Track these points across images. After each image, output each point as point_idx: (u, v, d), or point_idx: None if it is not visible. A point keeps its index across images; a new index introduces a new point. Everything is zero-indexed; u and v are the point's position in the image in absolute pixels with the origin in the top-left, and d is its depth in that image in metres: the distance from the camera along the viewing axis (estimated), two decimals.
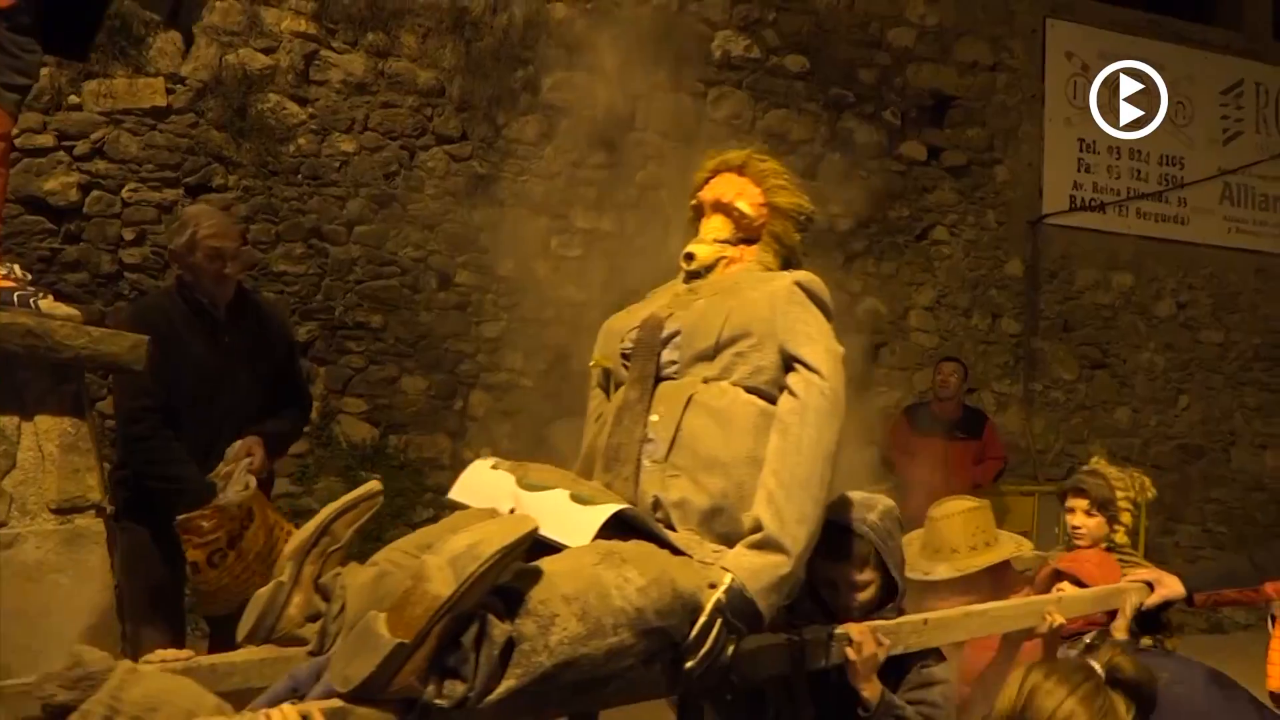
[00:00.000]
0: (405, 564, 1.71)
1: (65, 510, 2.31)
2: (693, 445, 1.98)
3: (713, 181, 2.29)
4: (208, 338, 3.01)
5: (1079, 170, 7.04)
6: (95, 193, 5.03)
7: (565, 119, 5.78)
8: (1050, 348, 6.89)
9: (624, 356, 2.15)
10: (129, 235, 5.06)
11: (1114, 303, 7.18)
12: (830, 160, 6.35)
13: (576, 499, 1.88)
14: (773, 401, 2.00)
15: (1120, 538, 3.12)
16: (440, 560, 1.52)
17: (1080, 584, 2.77)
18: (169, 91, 5.17)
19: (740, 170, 2.27)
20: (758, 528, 1.88)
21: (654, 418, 2.03)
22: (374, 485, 1.92)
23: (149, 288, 4.99)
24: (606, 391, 2.21)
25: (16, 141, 4.75)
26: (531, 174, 5.74)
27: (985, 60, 6.85)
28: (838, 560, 2.20)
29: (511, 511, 1.89)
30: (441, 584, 1.48)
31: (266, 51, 5.34)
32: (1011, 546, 2.87)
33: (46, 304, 2.26)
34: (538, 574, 1.65)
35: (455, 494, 2.04)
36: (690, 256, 2.20)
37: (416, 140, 5.57)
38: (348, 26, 5.49)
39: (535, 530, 1.63)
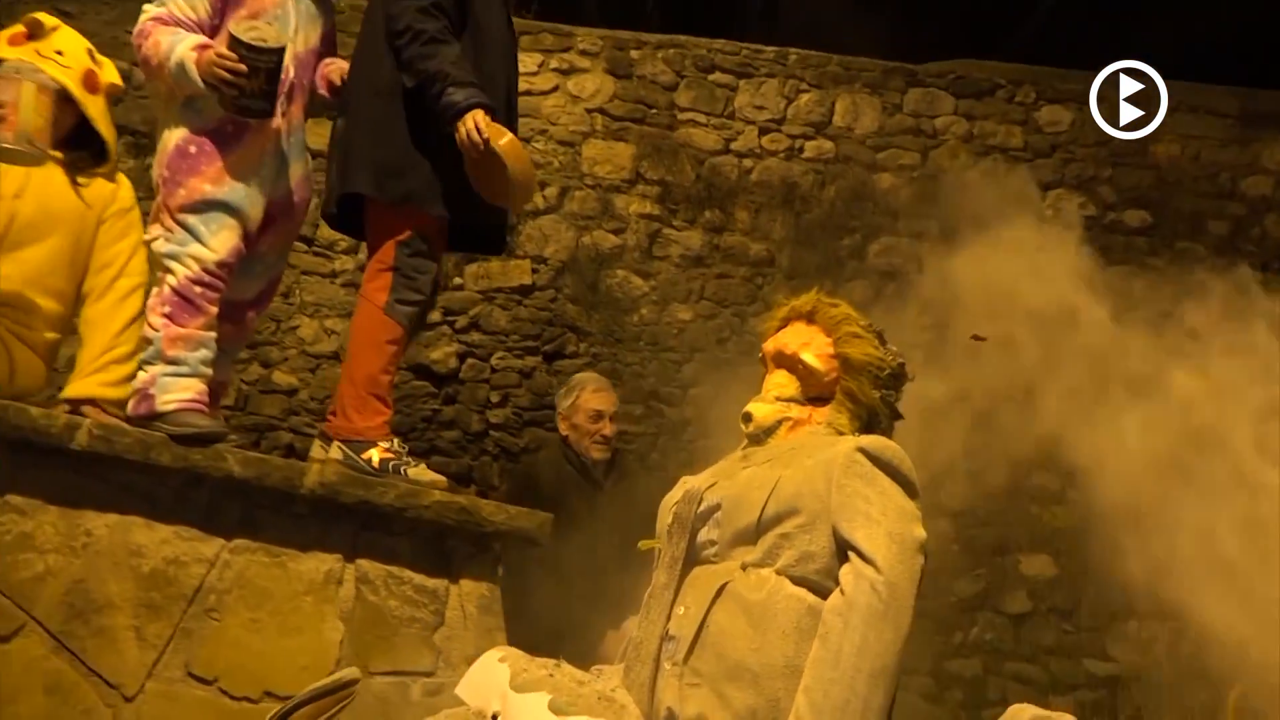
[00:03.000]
0: None
1: None
2: (719, 647, 1.65)
3: (781, 331, 2.01)
4: (587, 494, 3.29)
5: None
6: (470, 360, 5.67)
7: (891, 283, 5.83)
8: None
9: (668, 533, 1.83)
10: (495, 398, 5.64)
11: None
12: (1177, 316, 5.89)
13: (554, 707, 1.60)
14: (825, 597, 1.65)
15: None
16: None
17: None
18: (534, 271, 5.79)
19: (809, 318, 1.98)
20: None
21: (680, 610, 1.71)
22: (349, 673, 1.71)
23: (509, 445, 5.52)
24: None
25: None
26: None
27: None
28: None
29: (495, 717, 1.66)
30: None
31: (616, 232, 5.85)
32: None
33: (415, 471, 2.60)
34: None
35: (460, 690, 1.80)
36: (748, 417, 1.92)
37: (748, 307, 5.83)
38: (687, 206, 5.90)
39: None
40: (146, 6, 2.66)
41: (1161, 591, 5.64)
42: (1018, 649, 5.57)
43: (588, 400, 3.54)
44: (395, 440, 2.63)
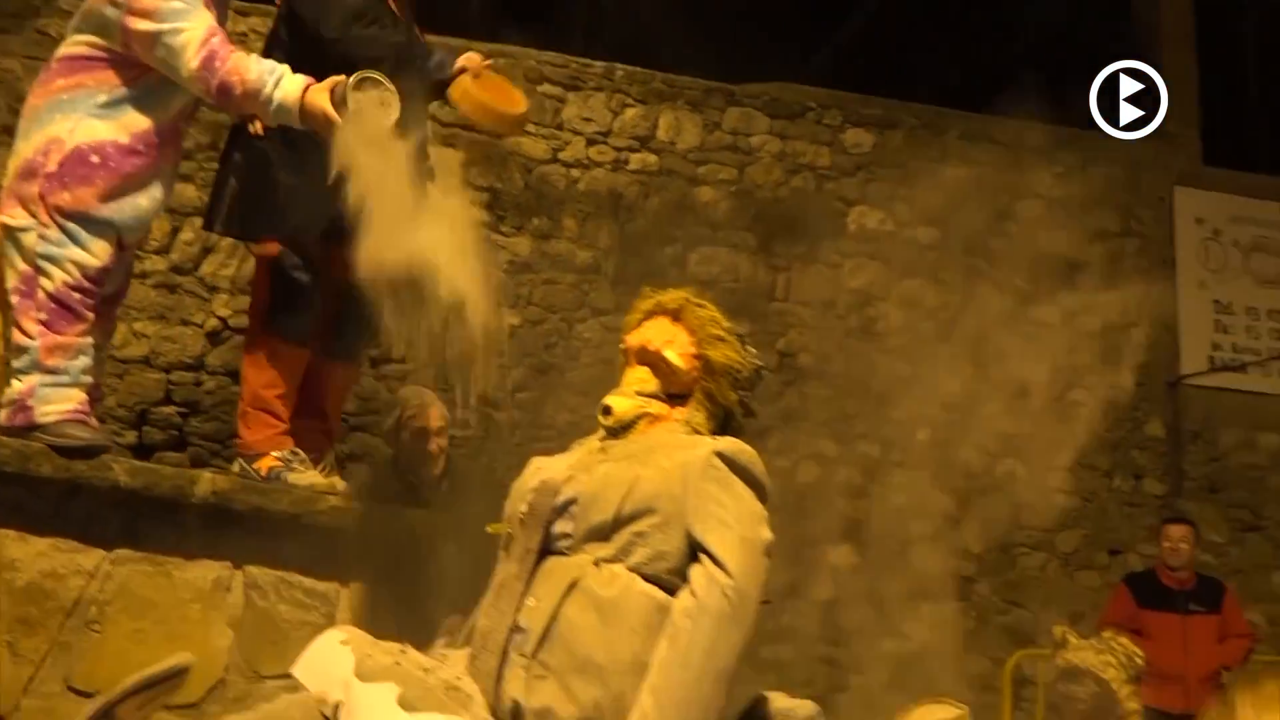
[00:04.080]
0: None
1: None
2: (569, 641, 1.66)
3: (644, 325, 2.00)
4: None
5: (1217, 331, 7.01)
6: None
7: (710, 291, 6.18)
8: (1198, 509, 6.73)
9: (521, 522, 1.83)
10: None
11: (1261, 463, 7.00)
12: (964, 325, 6.55)
13: (403, 701, 1.57)
14: (674, 594, 1.71)
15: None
16: None
17: None
18: None
19: (675, 316, 1.98)
20: None
21: (530, 602, 1.71)
22: (182, 660, 1.64)
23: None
24: None
25: (230, 322, 5.40)
26: None
27: (1114, 228, 7.01)
28: None
29: (338, 707, 1.63)
30: None
31: None
32: None
33: (295, 476, 2.64)
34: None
35: (296, 670, 1.74)
36: (607, 410, 1.91)
37: (575, 313, 6.03)
38: (516, 213, 6.03)
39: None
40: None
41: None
42: (824, 633, 6.03)
43: (413, 417, 3.53)
44: (289, 449, 2.67)
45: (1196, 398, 6.92)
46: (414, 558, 2.86)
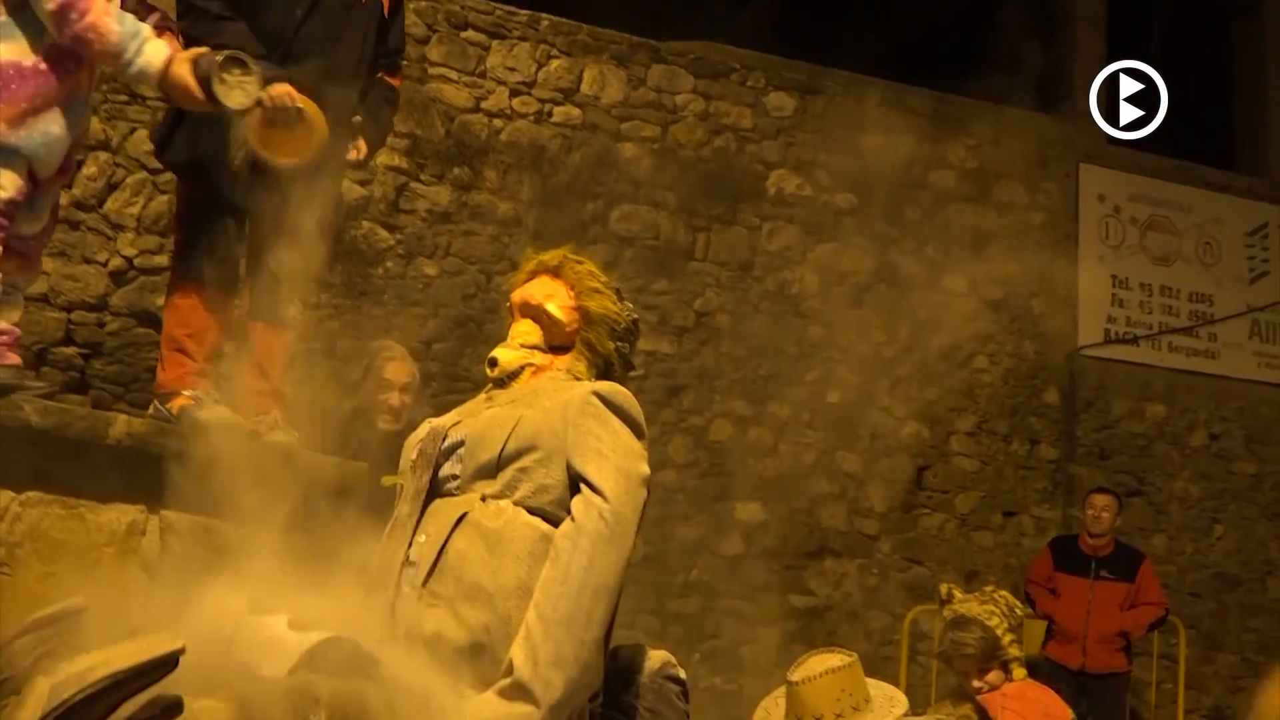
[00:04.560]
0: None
1: None
2: (457, 570, 1.74)
3: (528, 283, 2.10)
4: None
5: (1113, 305, 7.31)
6: None
7: (630, 248, 6.20)
8: (1088, 474, 7.05)
9: (412, 468, 1.92)
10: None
11: (1148, 432, 7.35)
12: (877, 291, 6.70)
13: (294, 624, 1.63)
14: (557, 525, 1.77)
15: (1016, 667, 3.02)
16: (49, 683, 1.26)
17: None
18: None
19: (555, 272, 2.08)
20: (509, 671, 1.63)
21: (420, 538, 1.79)
22: (76, 602, 1.61)
23: None
24: None
25: (136, 262, 5.23)
26: None
27: (1021, 200, 7.23)
28: None
29: (231, 641, 1.66)
30: (29, 715, 1.22)
31: (362, 183, 5.78)
32: (885, 709, 2.42)
33: (207, 413, 2.54)
34: (181, 707, 1.35)
35: (189, 614, 1.74)
36: (493, 362, 2.01)
37: (494, 265, 5.98)
38: (436, 162, 5.93)
39: (177, 652, 1.34)
40: None
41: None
42: (731, 587, 6.17)
43: (379, 369, 3.50)
44: (201, 389, 2.62)
45: (1091, 368, 7.22)
46: (335, 507, 2.85)
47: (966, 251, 6.96)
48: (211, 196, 2.77)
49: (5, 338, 2.42)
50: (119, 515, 2.30)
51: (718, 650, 6.00)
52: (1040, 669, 5.51)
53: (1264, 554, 7.46)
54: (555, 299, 2.05)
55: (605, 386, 1.91)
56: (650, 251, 6.17)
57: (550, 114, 6.04)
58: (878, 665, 6.19)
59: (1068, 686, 5.14)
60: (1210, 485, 7.41)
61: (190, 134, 2.76)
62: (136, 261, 5.09)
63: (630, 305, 2.19)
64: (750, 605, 6.13)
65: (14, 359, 2.44)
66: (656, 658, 2.01)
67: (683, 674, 2.03)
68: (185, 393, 2.62)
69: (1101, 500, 5.44)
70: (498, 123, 5.95)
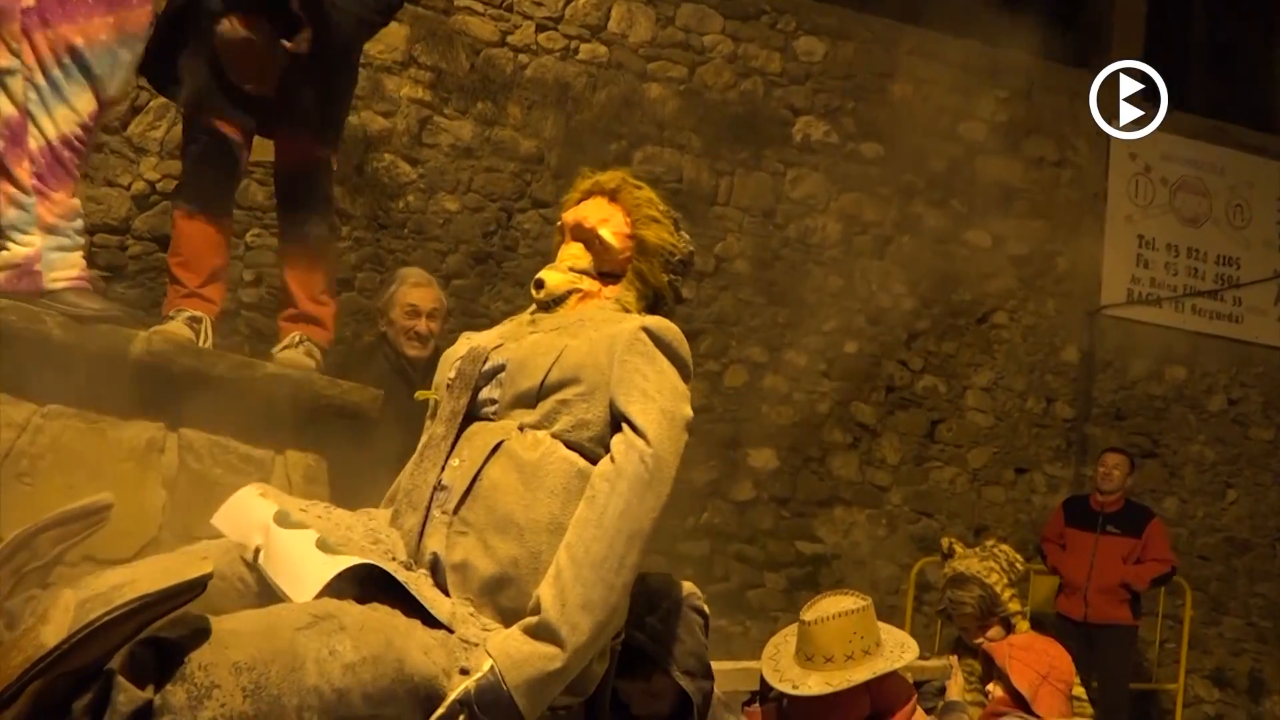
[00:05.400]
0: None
1: None
2: (490, 500, 1.68)
3: (582, 204, 2.00)
4: (402, 394, 3.29)
5: (1138, 265, 7.24)
6: None
7: (655, 190, 6.15)
8: (1102, 434, 7.04)
9: (449, 388, 1.84)
10: (248, 276, 5.46)
11: (1166, 394, 7.31)
12: (899, 243, 6.65)
13: (322, 545, 1.59)
14: (594, 463, 1.71)
15: (1019, 620, 3.03)
16: (76, 598, 1.24)
17: (1006, 678, 2.70)
18: None
19: (612, 196, 2.00)
20: (537, 609, 1.57)
21: (455, 462, 1.73)
22: (104, 498, 1.60)
23: (262, 327, 5.38)
24: None
25: (158, 186, 5.24)
26: None
27: (1051, 156, 7.13)
28: (622, 675, 1.88)
29: (257, 551, 1.64)
30: (54, 630, 1.18)
31: (385, 115, 5.75)
32: (896, 654, 2.42)
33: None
34: (208, 632, 1.32)
35: (216, 519, 1.78)
36: (540, 284, 1.93)
37: (515, 203, 5.96)
38: (460, 96, 5.88)
39: (206, 576, 1.32)
40: None
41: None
42: (740, 532, 6.21)
43: (404, 295, 3.48)
44: (189, 313, 2.70)
45: (1112, 328, 7.17)
46: (354, 432, 2.87)
47: (992, 206, 6.88)
48: (206, 127, 2.77)
49: (82, 281, 2.43)
50: (138, 432, 2.32)
51: (726, 593, 6.05)
52: (1052, 623, 5.57)
53: (1276, 520, 7.45)
54: (610, 224, 1.96)
55: (655, 322, 1.82)
56: (672, 195, 6.10)
57: (576, 51, 5.97)
58: (883, 614, 6.19)
59: (1075, 640, 5.20)
60: (1226, 450, 7.38)
61: (190, 65, 2.74)
62: (159, 186, 5.10)
63: (688, 237, 2.10)
64: (759, 550, 6.18)
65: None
66: (684, 587, 2.00)
67: (707, 608, 2.02)
68: (170, 314, 2.68)
69: (1113, 459, 5.47)
70: (523, 58, 5.89)
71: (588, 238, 1.96)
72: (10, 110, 2.33)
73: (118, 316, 2.39)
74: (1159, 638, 6.73)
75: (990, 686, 2.77)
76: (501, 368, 1.80)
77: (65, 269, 2.36)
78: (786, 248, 6.38)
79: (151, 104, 5.08)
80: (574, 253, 1.96)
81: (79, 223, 2.41)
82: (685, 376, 1.81)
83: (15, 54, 2.34)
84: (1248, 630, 7.28)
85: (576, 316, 1.87)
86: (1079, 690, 2.84)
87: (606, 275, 1.96)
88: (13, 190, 2.34)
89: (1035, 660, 2.71)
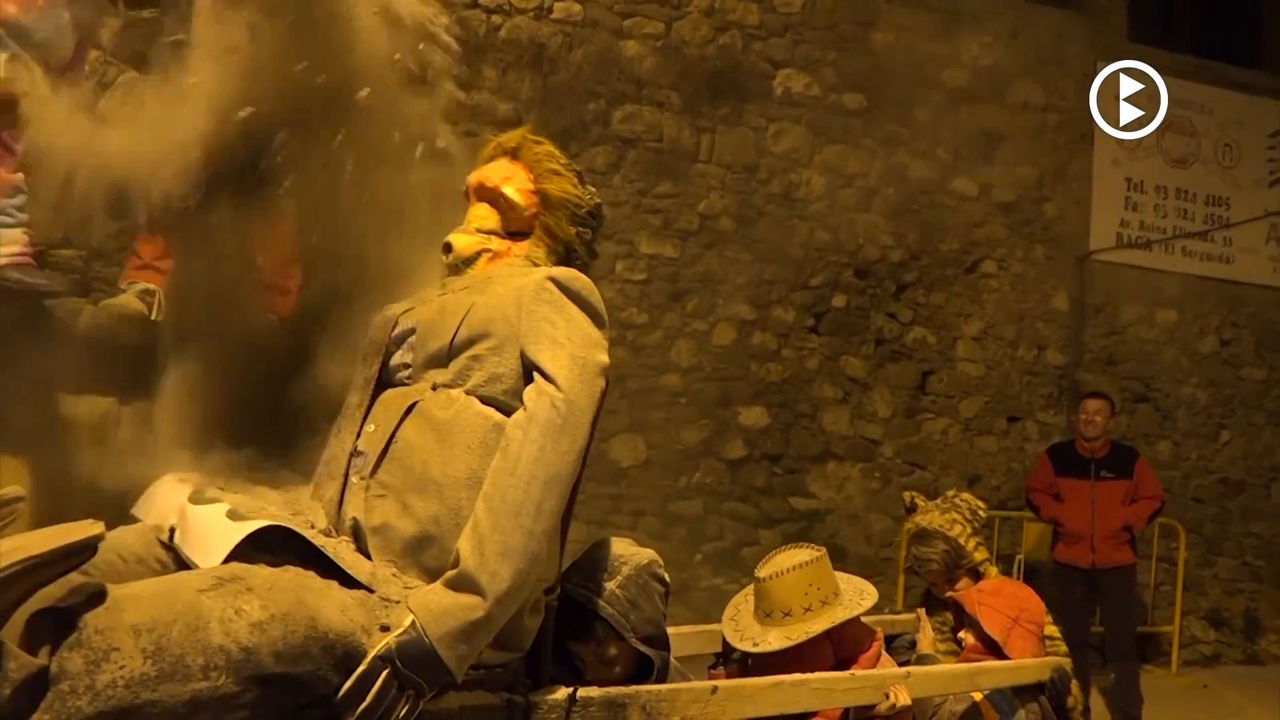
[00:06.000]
0: None
1: None
2: (406, 461, 1.67)
3: (485, 166, 1.99)
4: None
5: (1126, 208, 7.16)
6: None
7: (633, 150, 6.07)
8: (1094, 380, 7.00)
9: (362, 356, 1.85)
10: None
11: (1158, 338, 7.26)
12: (885, 194, 6.57)
13: (233, 515, 1.59)
14: (510, 415, 1.68)
15: (987, 567, 2.99)
16: None
17: (977, 624, 2.68)
18: None
19: (514, 154, 1.98)
20: (456, 562, 1.56)
21: (370, 428, 1.73)
22: (12, 491, 1.51)
23: None
24: None
25: None
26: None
27: (1037, 101, 7.03)
28: (577, 638, 1.89)
29: (172, 531, 1.65)
30: None
31: None
32: (854, 601, 2.40)
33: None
34: (104, 596, 1.32)
35: (136, 509, 1.79)
36: (448, 247, 1.90)
37: None
38: None
39: (95, 538, 1.30)
40: None
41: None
42: (733, 490, 6.19)
43: None
44: (140, 285, 2.67)
45: (1102, 272, 7.11)
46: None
47: (978, 153, 6.80)
48: None
49: (25, 258, 2.37)
50: (91, 407, 2.28)
51: (719, 551, 6.05)
52: (1050, 570, 5.56)
53: (1270, 460, 7.43)
54: (512, 181, 1.94)
55: (562, 272, 1.81)
56: (653, 153, 6.04)
57: (550, 10, 5.87)
58: (878, 566, 6.24)
59: (1079, 585, 5.22)
60: (1218, 391, 7.35)
61: None
62: None
63: (594, 189, 2.06)
64: (752, 508, 6.16)
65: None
66: (644, 554, 1.98)
67: (667, 576, 2.00)
68: (123, 286, 2.65)
69: (1094, 405, 5.44)
70: (496, 19, 5.79)
71: (492, 197, 1.94)
72: None
73: (61, 291, 2.34)
74: (1154, 580, 6.73)
75: (962, 634, 2.74)
76: (411, 331, 1.80)
77: (8, 245, 2.31)
78: (770, 203, 6.31)
79: (119, 80, 4.99)
80: (480, 214, 1.95)
81: (20, 198, 2.34)
82: (599, 324, 1.79)
83: None
84: (1242, 570, 7.28)
85: (485, 275, 1.86)
86: (1051, 629, 2.82)
87: (515, 234, 1.94)
88: None
89: (1005, 604, 2.69)
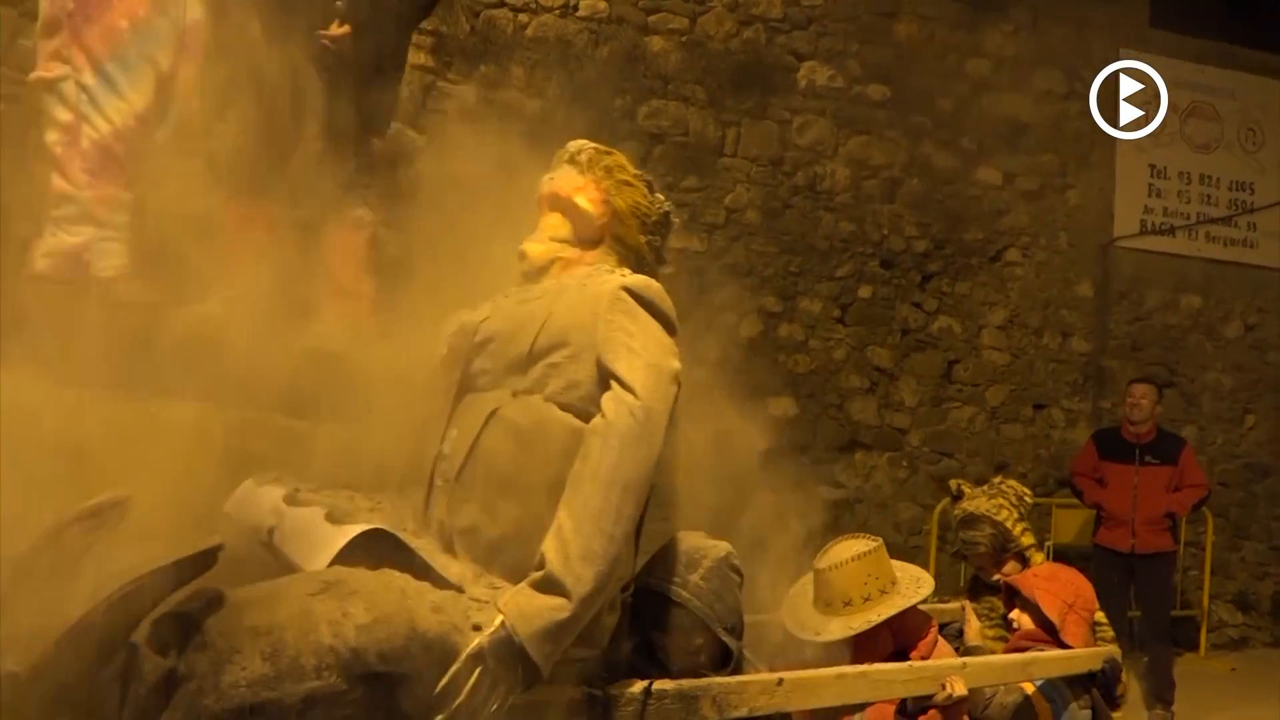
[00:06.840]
0: None
1: None
2: (490, 465, 1.74)
3: (556, 176, 2.06)
4: None
5: (1150, 195, 7.21)
6: None
7: (659, 145, 6.15)
8: (1119, 366, 7.06)
9: (442, 363, 1.92)
10: None
11: (1182, 324, 7.31)
12: (909, 185, 6.63)
13: (331, 517, 1.67)
14: (588, 421, 1.74)
15: (1033, 553, 3.03)
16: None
17: (1033, 605, 2.70)
18: None
19: (583, 166, 2.06)
20: (541, 564, 1.62)
21: (453, 433, 1.79)
22: (119, 493, 1.54)
23: None
24: None
25: None
26: None
27: (1059, 89, 7.07)
28: (660, 629, 1.95)
29: (271, 531, 1.72)
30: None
31: None
32: (912, 590, 2.45)
33: None
34: (223, 600, 1.40)
35: (228, 507, 1.85)
36: (523, 255, 1.99)
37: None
38: (462, 60, 5.88)
39: (216, 548, 1.39)
40: None
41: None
42: (761, 480, 6.26)
43: None
44: None
45: (1126, 259, 7.16)
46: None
47: (1002, 142, 6.85)
48: None
49: (128, 270, 2.41)
50: (185, 413, 2.37)
51: (749, 542, 6.14)
52: (1085, 556, 5.63)
53: None
54: (584, 192, 2.02)
55: (635, 280, 1.87)
56: (679, 148, 6.12)
57: (576, 7, 5.94)
58: (907, 555, 6.32)
59: (1118, 571, 5.24)
60: (1244, 376, 7.40)
61: None
62: None
63: (662, 197, 2.15)
64: (780, 497, 6.24)
65: None
66: (722, 546, 2.07)
67: (743, 568, 2.09)
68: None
69: (1140, 389, 5.46)
70: (523, 17, 5.86)
71: (564, 207, 2.01)
72: (67, 117, 2.37)
73: (162, 303, 2.42)
74: (1182, 565, 6.80)
75: (1014, 615, 2.79)
76: (490, 339, 1.85)
77: (113, 258, 2.39)
78: (796, 195, 6.38)
79: None
80: (553, 223, 2.01)
81: (125, 216, 2.43)
82: (670, 330, 1.85)
83: (66, 61, 2.37)
84: (1269, 554, 7.34)
85: (559, 284, 1.92)
86: (1100, 616, 2.89)
87: (586, 242, 2.01)
88: (64, 187, 2.39)
89: (1061, 589, 2.74)
